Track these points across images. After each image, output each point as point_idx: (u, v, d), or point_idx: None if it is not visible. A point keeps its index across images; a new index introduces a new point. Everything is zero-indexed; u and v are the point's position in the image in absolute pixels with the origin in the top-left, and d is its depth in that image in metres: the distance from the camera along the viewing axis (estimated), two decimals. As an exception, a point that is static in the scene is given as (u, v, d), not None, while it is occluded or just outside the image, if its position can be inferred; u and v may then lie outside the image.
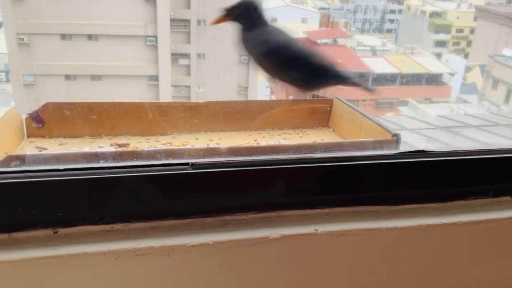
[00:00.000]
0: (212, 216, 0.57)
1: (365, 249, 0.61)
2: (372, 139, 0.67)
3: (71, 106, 0.79)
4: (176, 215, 0.55)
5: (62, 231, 0.53)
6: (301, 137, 0.86)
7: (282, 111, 0.90)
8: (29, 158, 0.57)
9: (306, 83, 0.89)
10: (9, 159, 0.56)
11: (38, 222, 0.52)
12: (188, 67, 9.12)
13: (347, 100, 0.89)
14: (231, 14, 0.85)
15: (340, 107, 0.86)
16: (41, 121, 0.78)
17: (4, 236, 0.52)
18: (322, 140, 0.82)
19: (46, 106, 0.78)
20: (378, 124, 0.75)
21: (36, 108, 0.78)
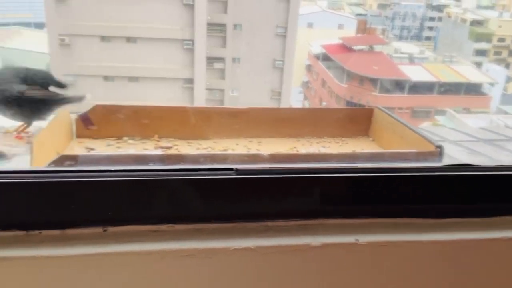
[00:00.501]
0: (254, 221, 0.58)
1: (405, 261, 0.60)
2: (415, 151, 0.67)
3: (119, 108, 0.82)
4: (219, 218, 0.57)
5: (111, 229, 0.55)
6: (340, 145, 0.86)
7: (322, 119, 0.91)
8: (82, 158, 0.60)
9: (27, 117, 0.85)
10: (63, 159, 0.59)
11: (89, 220, 0.54)
12: (222, 71, 9.20)
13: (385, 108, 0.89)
14: None
15: (381, 117, 0.86)
16: (90, 123, 0.81)
17: (57, 232, 0.54)
18: (362, 149, 0.82)
19: (95, 108, 0.81)
20: (421, 135, 0.74)
21: (86, 110, 0.81)
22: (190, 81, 8.39)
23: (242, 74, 8.83)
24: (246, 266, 0.56)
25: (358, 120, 0.89)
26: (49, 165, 0.59)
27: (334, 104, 9.88)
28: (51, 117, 0.83)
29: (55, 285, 0.53)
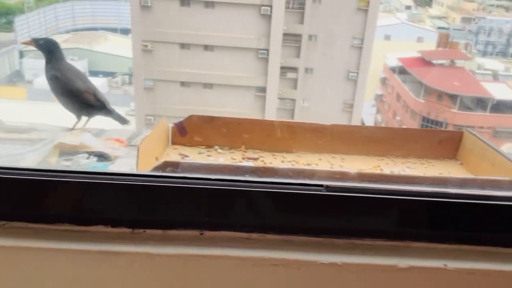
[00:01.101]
0: (341, 238, 0.59)
1: (494, 291, 0.59)
2: (509, 179, 0.65)
3: (211, 119, 0.88)
4: (308, 232, 0.59)
5: (207, 233, 0.59)
6: (426, 167, 0.85)
7: (407, 139, 0.90)
8: (182, 165, 0.65)
9: (75, 112, 1.17)
10: (166, 165, 0.65)
11: (188, 223, 0.59)
12: (295, 80, 9.25)
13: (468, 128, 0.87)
14: (35, 42, 1.20)
15: (471, 141, 0.84)
16: (185, 131, 0.87)
17: (159, 232, 0.59)
18: (449, 173, 0.81)
19: (190, 118, 0.87)
20: (514, 163, 0.72)
21: (182, 119, 0.87)
22: (263, 89, 8.53)
23: (314, 84, 8.82)
24: (332, 281, 0.57)
25: (446, 142, 0.88)
26: (153, 169, 0.64)
27: (408, 119, 9.57)
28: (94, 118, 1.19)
29: (156, 280, 0.58)
